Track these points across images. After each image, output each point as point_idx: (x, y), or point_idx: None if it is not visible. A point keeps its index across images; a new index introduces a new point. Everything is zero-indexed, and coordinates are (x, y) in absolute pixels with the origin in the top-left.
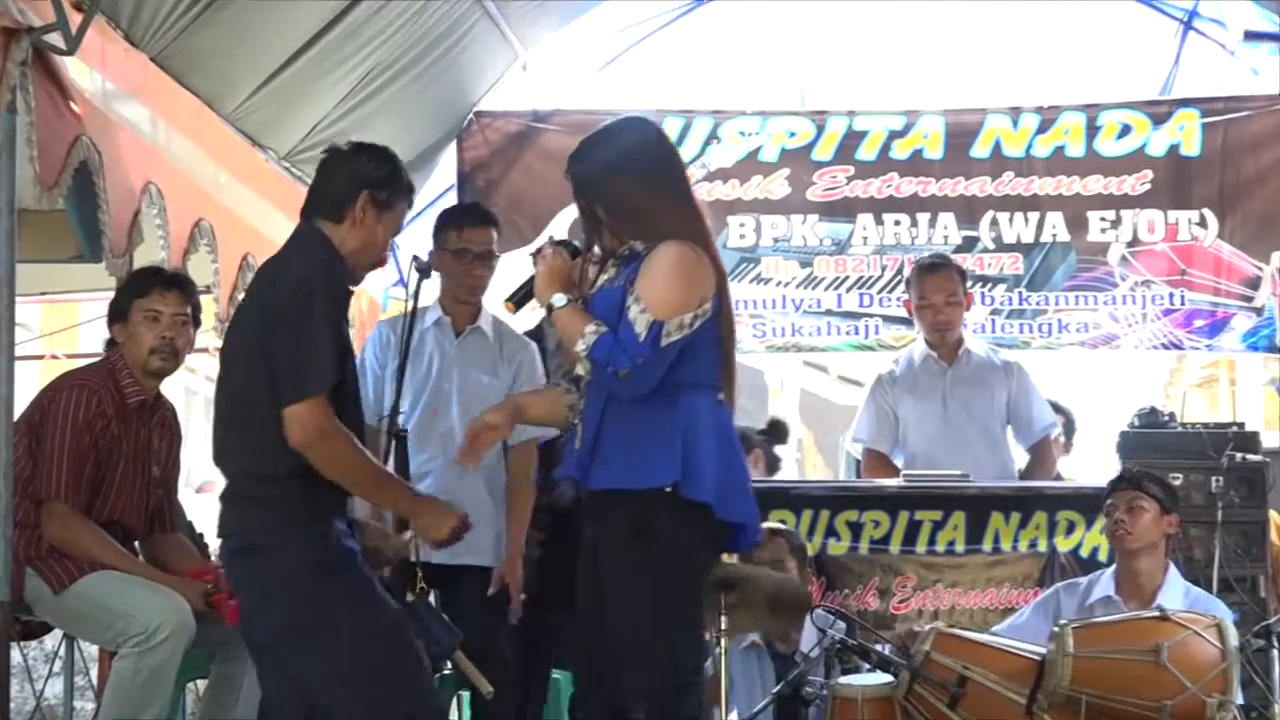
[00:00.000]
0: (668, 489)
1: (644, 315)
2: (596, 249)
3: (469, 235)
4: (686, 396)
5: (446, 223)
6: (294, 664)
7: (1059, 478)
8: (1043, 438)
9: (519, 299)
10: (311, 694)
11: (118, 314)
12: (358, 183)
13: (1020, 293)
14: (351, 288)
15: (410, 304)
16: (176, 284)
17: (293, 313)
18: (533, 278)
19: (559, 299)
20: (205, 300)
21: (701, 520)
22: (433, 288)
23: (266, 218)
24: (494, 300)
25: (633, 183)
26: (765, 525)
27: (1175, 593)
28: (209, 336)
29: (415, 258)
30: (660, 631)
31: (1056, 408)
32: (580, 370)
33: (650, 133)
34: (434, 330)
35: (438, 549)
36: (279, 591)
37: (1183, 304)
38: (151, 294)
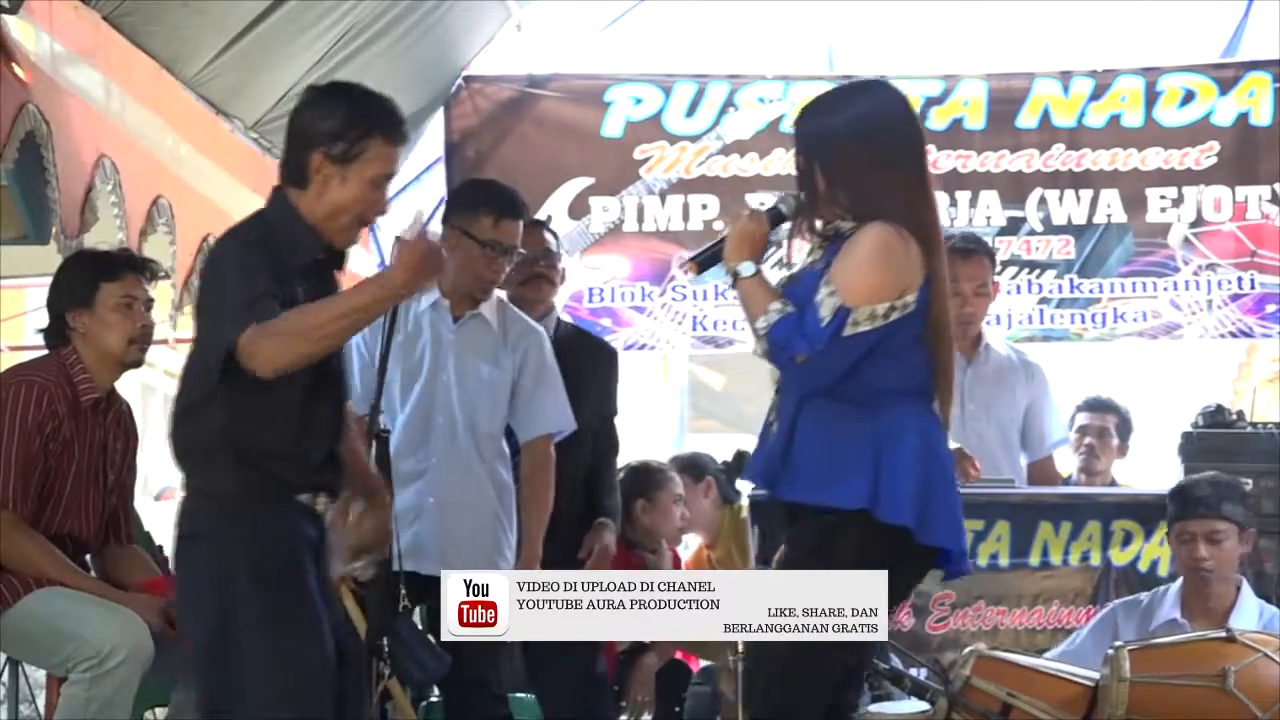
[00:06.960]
0: (858, 511)
1: (832, 299)
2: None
3: (506, 227)
4: (889, 405)
5: (481, 206)
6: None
7: (1113, 483)
8: (1048, 455)
9: (704, 262)
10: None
11: (79, 299)
12: (308, 143)
13: (1072, 279)
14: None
15: None
16: (147, 268)
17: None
18: (722, 240)
19: (747, 268)
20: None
21: (897, 545)
22: None
23: (231, 194)
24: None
25: (864, 151)
26: None
27: (1249, 613)
28: (165, 327)
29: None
30: (816, 660)
31: (1110, 405)
32: (758, 351)
33: (895, 100)
34: (429, 314)
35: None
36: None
37: (1252, 288)
38: (124, 278)
